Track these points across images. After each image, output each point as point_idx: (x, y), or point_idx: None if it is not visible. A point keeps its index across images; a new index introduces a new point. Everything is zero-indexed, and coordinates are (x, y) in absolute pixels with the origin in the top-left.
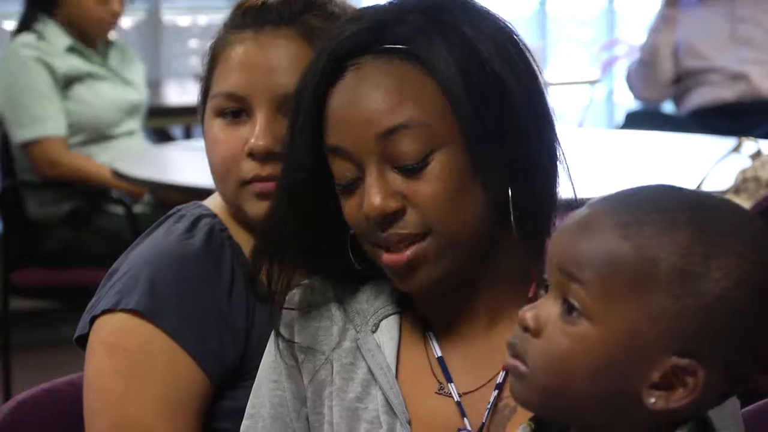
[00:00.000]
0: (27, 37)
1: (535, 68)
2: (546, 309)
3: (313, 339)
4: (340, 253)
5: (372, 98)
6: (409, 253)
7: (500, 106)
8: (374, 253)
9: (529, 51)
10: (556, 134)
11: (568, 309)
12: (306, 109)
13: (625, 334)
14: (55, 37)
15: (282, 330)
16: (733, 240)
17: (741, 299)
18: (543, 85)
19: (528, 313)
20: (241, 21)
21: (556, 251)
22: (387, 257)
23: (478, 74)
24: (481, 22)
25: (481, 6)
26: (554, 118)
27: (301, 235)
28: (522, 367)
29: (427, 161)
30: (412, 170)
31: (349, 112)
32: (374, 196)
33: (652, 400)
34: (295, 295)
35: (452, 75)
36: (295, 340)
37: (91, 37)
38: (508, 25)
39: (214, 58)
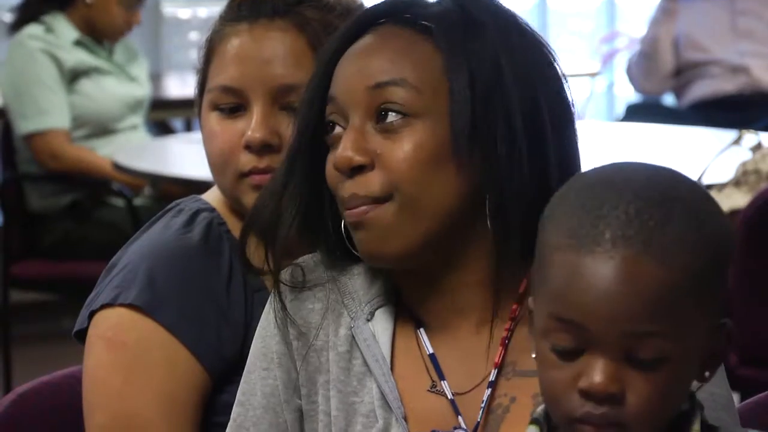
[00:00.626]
0: (34, 29)
1: (560, 77)
2: (612, 371)
3: (305, 323)
4: (336, 230)
5: (374, 54)
6: (364, 209)
7: (496, 98)
8: (342, 212)
9: (554, 59)
10: (550, 134)
11: (637, 360)
12: (321, 65)
13: (697, 344)
14: (63, 30)
15: (276, 310)
16: (708, 203)
17: (733, 245)
18: (563, 99)
19: (600, 382)
20: (237, 13)
21: (609, 317)
22: (347, 213)
23: (486, 72)
24: (504, 15)
25: (512, 13)
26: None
27: (299, 204)
28: (619, 430)
29: (408, 122)
30: (390, 130)
31: (350, 64)
32: (346, 149)
33: (707, 374)
34: (286, 274)
35: (461, 58)
36: (288, 323)
37: (103, 37)
38: (538, 36)
39: (210, 51)
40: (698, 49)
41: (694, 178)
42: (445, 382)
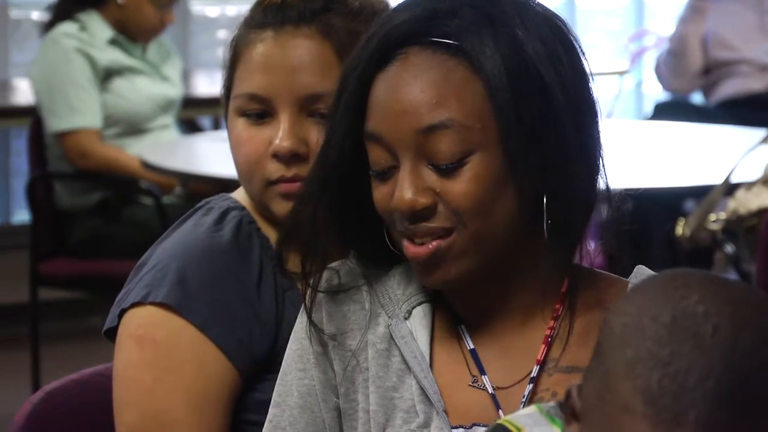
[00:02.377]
0: (69, 27)
1: (585, 68)
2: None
3: (343, 323)
4: (373, 234)
5: (415, 91)
6: (431, 246)
7: (543, 112)
8: (401, 242)
9: (580, 48)
10: (597, 140)
11: None
12: (350, 92)
13: None
14: (98, 29)
15: (312, 315)
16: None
17: None
18: (591, 87)
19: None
20: (262, 19)
21: None
22: (411, 249)
23: (524, 77)
24: (533, 20)
25: (534, 2)
26: (599, 120)
27: (335, 215)
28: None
29: (463, 162)
30: (447, 169)
31: (391, 101)
32: (406, 191)
33: None
34: (323, 279)
35: (499, 77)
36: (325, 325)
37: (136, 37)
38: (560, 21)
39: (236, 56)
40: (727, 47)
41: (723, 177)
42: (485, 376)
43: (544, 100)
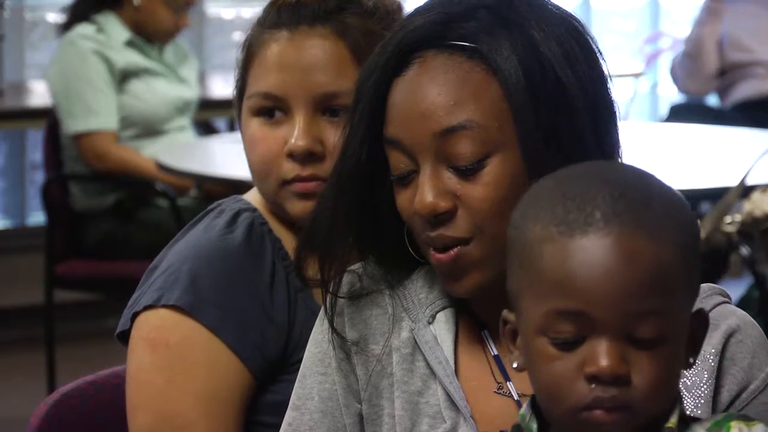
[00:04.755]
0: (86, 28)
1: (603, 69)
2: (616, 352)
3: (366, 328)
4: (392, 239)
5: (433, 95)
6: (453, 252)
7: (560, 112)
8: (425, 248)
9: (597, 48)
10: (616, 141)
11: (639, 340)
12: (368, 98)
13: (686, 326)
14: (115, 31)
15: (332, 317)
16: (670, 190)
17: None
18: (609, 88)
19: (607, 365)
20: (276, 19)
21: (610, 298)
22: (435, 256)
23: (541, 79)
24: (549, 21)
25: (550, 3)
26: (618, 121)
27: (353, 220)
28: (629, 414)
29: (482, 164)
30: (467, 171)
31: (409, 106)
32: (426, 194)
33: (691, 360)
34: (344, 282)
35: (516, 79)
36: (347, 330)
37: (153, 39)
38: (576, 22)
39: (249, 56)
40: (742, 49)
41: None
42: (510, 383)
43: (561, 100)
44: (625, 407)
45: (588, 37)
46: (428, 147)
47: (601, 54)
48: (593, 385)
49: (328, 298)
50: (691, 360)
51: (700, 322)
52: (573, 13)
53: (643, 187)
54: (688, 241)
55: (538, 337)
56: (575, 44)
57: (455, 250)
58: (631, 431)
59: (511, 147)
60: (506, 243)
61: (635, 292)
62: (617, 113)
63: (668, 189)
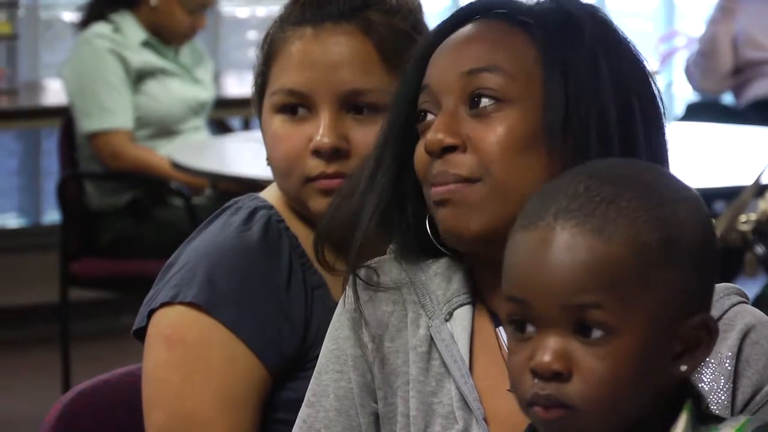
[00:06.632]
0: (102, 28)
1: (642, 66)
2: (558, 347)
3: (382, 324)
4: (414, 231)
5: (469, 42)
6: (454, 186)
7: (592, 99)
8: (427, 191)
9: (647, 64)
10: (646, 139)
11: (585, 334)
12: (415, 58)
13: (650, 325)
14: (131, 30)
15: (350, 311)
16: (676, 192)
17: (707, 234)
18: (646, 87)
19: (546, 359)
20: (300, 16)
21: (546, 290)
22: (433, 189)
23: (581, 66)
24: (604, 25)
25: (607, 17)
26: (652, 122)
27: (385, 193)
28: (567, 413)
29: (499, 107)
30: (483, 111)
31: (445, 53)
32: (438, 131)
33: (683, 368)
34: (361, 275)
35: (556, 52)
36: (364, 327)
37: (169, 40)
38: (630, 40)
39: (272, 53)
40: (757, 47)
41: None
42: None
43: (592, 81)
44: (562, 405)
45: (627, 38)
46: (453, 87)
47: (646, 62)
48: (535, 380)
49: (346, 291)
50: (683, 368)
51: (704, 329)
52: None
53: (619, 183)
54: (652, 241)
55: (507, 326)
56: (618, 42)
57: (454, 185)
58: None
59: (533, 106)
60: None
61: (569, 284)
62: (656, 113)
63: (664, 187)
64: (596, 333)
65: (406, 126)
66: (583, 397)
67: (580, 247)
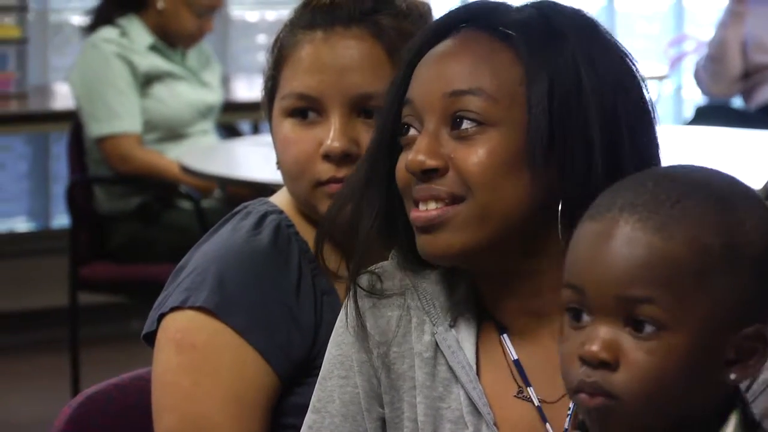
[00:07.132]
0: (109, 32)
1: (641, 86)
2: (608, 337)
3: (387, 330)
4: (412, 239)
5: (453, 59)
6: (434, 212)
7: (575, 117)
8: (408, 208)
9: (635, 66)
10: (634, 156)
11: (637, 327)
12: (402, 68)
13: (703, 327)
14: (138, 35)
15: (352, 317)
16: (745, 200)
17: None
18: (632, 99)
19: (595, 348)
20: (310, 20)
21: (603, 280)
22: (414, 212)
23: (565, 83)
24: (589, 33)
25: (594, 21)
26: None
27: (381, 202)
28: (610, 402)
29: (482, 130)
30: (465, 134)
31: (429, 68)
32: (419, 152)
33: (733, 376)
34: (363, 282)
35: (540, 71)
36: (368, 332)
37: (176, 43)
38: (618, 44)
39: (282, 57)
40: (766, 51)
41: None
42: (531, 388)
43: (576, 98)
44: (607, 394)
45: (615, 43)
46: (435, 107)
47: (633, 61)
48: (583, 368)
49: (350, 298)
50: (733, 377)
51: (760, 340)
52: (594, 17)
53: (689, 185)
54: (714, 245)
55: (564, 314)
56: (604, 50)
57: (436, 210)
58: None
59: (516, 128)
60: None
61: (624, 276)
62: (645, 127)
63: (735, 195)
64: (648, 328)
65: (393, 135)
66: (627, 388)
67: (639, 242)
